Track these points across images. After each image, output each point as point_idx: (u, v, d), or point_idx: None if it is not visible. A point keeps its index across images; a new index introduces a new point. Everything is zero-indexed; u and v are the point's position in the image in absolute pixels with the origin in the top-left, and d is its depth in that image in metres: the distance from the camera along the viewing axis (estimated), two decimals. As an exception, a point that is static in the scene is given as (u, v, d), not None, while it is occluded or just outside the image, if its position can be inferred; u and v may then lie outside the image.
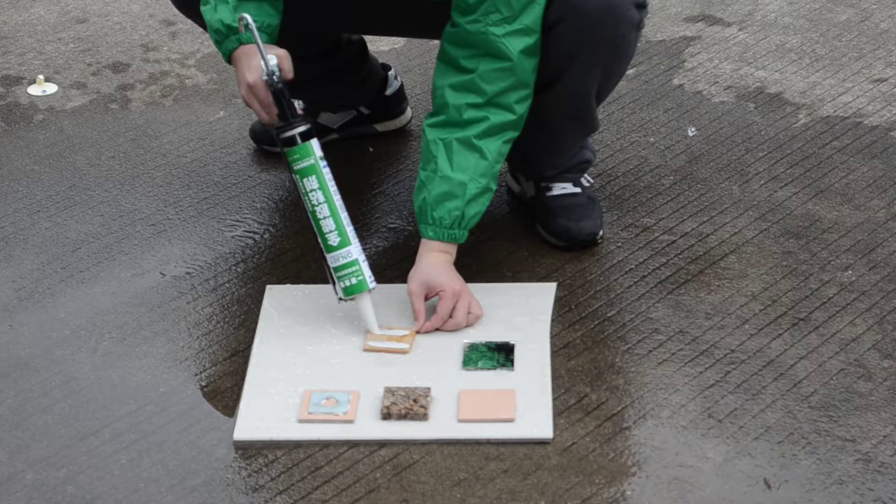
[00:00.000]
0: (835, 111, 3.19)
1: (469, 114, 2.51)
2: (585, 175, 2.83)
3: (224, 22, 2.51)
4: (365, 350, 2.49)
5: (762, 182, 2.95)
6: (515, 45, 2.47)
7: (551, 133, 2.72)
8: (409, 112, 3.16)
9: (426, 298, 2.54)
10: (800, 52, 3.45)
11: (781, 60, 3.41)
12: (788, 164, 3.01)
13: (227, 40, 2.52)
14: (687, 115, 3.20)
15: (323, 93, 3.02)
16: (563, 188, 2.78)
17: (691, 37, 3.53)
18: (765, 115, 3.19)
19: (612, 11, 2.52)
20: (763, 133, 3.12)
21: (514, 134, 2.55)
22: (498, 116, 2.51)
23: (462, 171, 2.51)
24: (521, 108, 2.53)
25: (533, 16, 2.47)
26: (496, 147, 2.53)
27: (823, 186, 2.93)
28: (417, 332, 2.52)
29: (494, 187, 2.55)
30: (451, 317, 2.52)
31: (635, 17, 2.55)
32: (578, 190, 2.79)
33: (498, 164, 2.54)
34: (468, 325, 2.53)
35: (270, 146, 3.10)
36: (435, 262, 2.54)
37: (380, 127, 3.14)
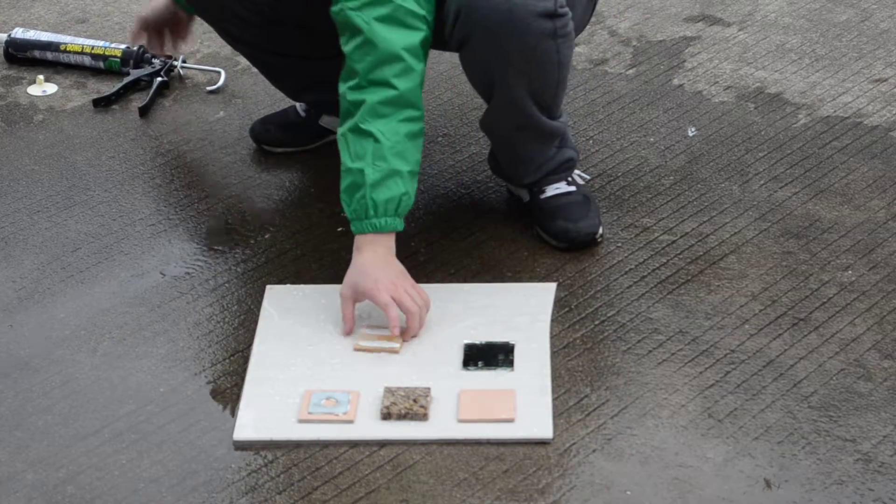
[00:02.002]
0: (835, 111, 3.19)
1: (352, 97, 2.47)
2: (578, 172, 2.83)
3: None
4: (356, 350, 2.49)
5: (762, 182, 2.95)
6: (368, 16, 2.42)
7: (508, 145, 2.74)
8: None
9: (357, 301, 2.49)
10: (800, 52, 3.45)
11: (781, 60, 3.41)
12: (788, 164, 3.01)
13: None
14: (687, 115, 3.20)
15: (330, 96, 3.01)
16: (557, 188, 2.78)
17: (691, 37, 3.53)
18: (765, 115, 3.19)
19: (515, 26, 2.47)
20: (763, 133, 3.12)
21: (410, 112, 2.47)
22: (376, 95, 2.44)
23: (359, 159, 2.46)
24: (403, 83, 2.44)
25: None
26: (390, 128, 2.45)
27: (823, 186, 2.93)
28: (347, 335, 2.50)
29: (405, 168, 2.46)
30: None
31: (546, 28, 2.49)
32: (573, 188, 2.78)
33: (400, 144, 2.45)
34: (421, 318, 2.48)
35: (270, 146, 3.10)
36: (362, 261, 2.48)
37: None
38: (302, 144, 3.10)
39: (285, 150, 3.09)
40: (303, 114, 3.08)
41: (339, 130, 2.51)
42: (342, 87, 2.49)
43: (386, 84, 2.44)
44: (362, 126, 2.46)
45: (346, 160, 2.49)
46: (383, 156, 2.45)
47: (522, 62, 2.53)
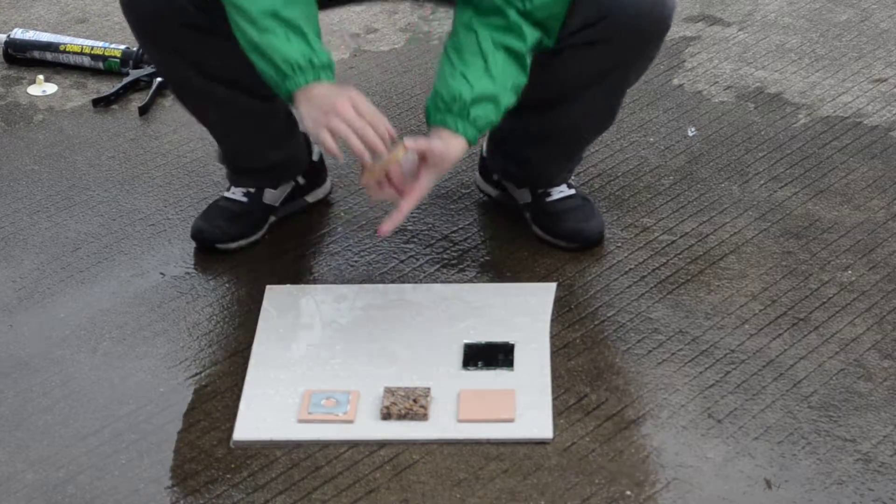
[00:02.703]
0: (835, 111, 3.19)
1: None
2: None
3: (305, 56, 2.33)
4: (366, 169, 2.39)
5: (762, 182, 2.95)
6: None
7: (570, 144, 2.73)
8: (329, 181, 2.92)
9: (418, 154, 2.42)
10: (800, 52, 3.45)
11: (781, 60, 3.42)
12: (788, 164, 3.01)
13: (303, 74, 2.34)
14: (687, 115, 3.20)
15: (285, 152, 2.78)
16: (561, 192, 2.77)
17: (691, 37, 3.54)
18: (765, 115, 3.19)
19: (661, 27, 2.53)
20: (763, 133, 3.12)
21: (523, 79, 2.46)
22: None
23: (504, 79, 2.42)
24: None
25: None
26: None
27: (823, 186, 2.93)
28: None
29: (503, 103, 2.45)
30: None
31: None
32: (573, 192, 2.79)
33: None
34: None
35: (225, 243, 2.77)
36: (455, 157, 2.44)
37: (310, 198, 2.88)
38: (256, 231, 2.80)
39: (241, 245, 2.77)
40: (245, 199, 2.79)
41: (487, 32, 2.41)
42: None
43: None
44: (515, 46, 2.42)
45: (494, 69, 2.41)
46: (515, 87, 2.44)
47: (647, 60, 2.61)
